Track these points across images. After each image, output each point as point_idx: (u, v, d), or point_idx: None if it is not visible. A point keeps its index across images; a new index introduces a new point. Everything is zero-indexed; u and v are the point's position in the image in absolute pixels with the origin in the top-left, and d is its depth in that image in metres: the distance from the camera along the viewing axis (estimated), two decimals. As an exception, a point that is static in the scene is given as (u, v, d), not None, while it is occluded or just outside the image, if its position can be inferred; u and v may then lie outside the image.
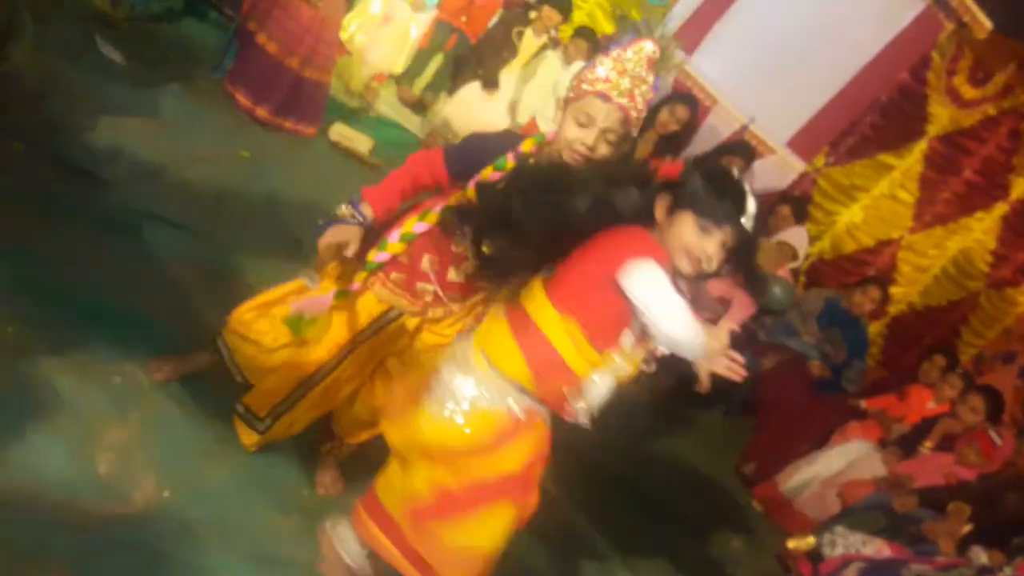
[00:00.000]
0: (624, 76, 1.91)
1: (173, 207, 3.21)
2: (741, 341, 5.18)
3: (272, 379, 2.16)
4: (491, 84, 5.37)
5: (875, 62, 5.75)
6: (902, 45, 5.73)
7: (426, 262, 2.07)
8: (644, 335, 1.81)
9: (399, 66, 5.52)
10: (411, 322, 2.14)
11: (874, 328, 6.51)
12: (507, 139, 2.07)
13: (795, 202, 5.47)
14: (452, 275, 2.09)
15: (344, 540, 2.02)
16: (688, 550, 3.73)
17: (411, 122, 5.71)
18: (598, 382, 1.81)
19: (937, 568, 3.58)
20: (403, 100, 5.72)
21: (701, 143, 5.29)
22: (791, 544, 3.85)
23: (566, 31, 5.81)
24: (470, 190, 1.93)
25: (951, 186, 6.62)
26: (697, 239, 1.77)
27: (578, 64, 5.34)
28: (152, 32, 4.41)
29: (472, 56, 5.55)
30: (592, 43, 5.44)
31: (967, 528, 3.69)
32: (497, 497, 1.83)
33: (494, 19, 5.74)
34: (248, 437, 2.26)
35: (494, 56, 5.41)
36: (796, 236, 5.20)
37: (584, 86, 1.94)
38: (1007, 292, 6.75)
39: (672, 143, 4.96)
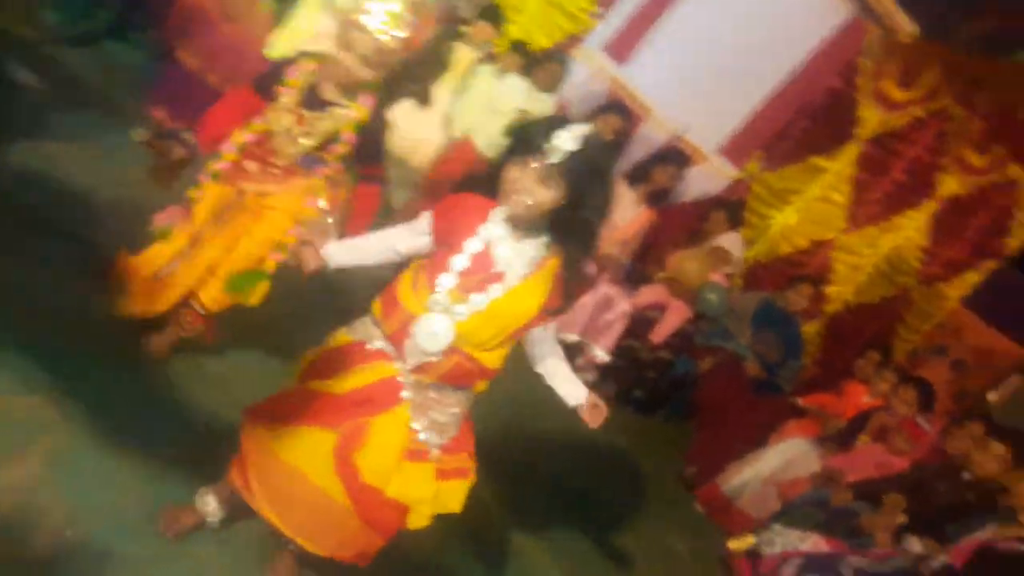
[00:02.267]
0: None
1: (100, 230, 3.14)
2: (678, 345, 5.26)
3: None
4: (423, 99, 5.36)
5: (804, 68, 5.87)
6: (830, 50, 5.86)
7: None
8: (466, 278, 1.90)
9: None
10: (248, 196, 2.62)
11: (811, 328, 6.62)
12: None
13: (729, 207, 5.54)
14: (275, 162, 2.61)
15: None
16: (630, 554, 3.74)
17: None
18: (425, 322, 1.88)
19: (874, 560, 3.65)
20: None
21: (635, 152, 5.34)
22: (731, 544, 3.89)
23: (502, 44, 5.83)
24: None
25: (882, 186, 6.78)
26: (514, 174, 1.83)
27: (512, 77, 5.36)
28: (73, 54, 4.32)
29: (404, 71, 5.53)
30: (526, 57, 5.47)
31: (903, 519, 3.76)
32: (329, 419, 1.92)
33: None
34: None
35: (426, 71, 5.40)
36: (730, 241, 5.27)
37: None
38: (938, 287, 6.91)
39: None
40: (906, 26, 5.60)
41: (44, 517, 1.97)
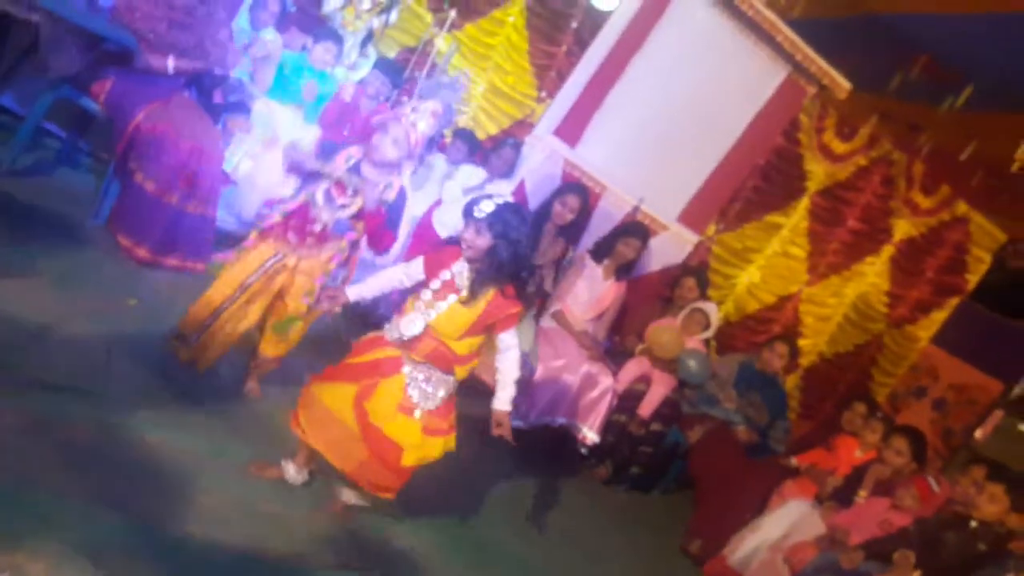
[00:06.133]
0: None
1: (60, 369, 3.01)
2: (668, 415, 5.18)
3: (196, 310, 3.27)
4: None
5: (749, 131, 5.95)
6: (771, 112, 5.97)
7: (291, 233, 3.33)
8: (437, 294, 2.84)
9: (288, 189, 5.45)
10: (289, 260, 3.29)
11: (790, 382, 6.65)
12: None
13: (697, 272, 5.56)
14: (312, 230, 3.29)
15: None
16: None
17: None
18: (408, 316, 2.84)
19: (894, 620, 3.57)
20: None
21: (597, 228, 5.36)
22: (748, 620, 3.77)
23: (448, 133, 5.90)
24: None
25: (838, 236, 6.94)
26: (464, 232, 2.78)
27: (466, 166, 5.41)
28: (24, 186, 4.24)
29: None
30: (470, 144, 5.54)
31: (915, 574, 3.70)
32: (353, 377, 2.89)
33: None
34: (185, 354, 3.31)
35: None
36: (706, 306, 5.28)
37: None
38: (907, 329, 7.03)
39: (571, 231, 5.04)
40: (841, 82, 5.79)
41: None
